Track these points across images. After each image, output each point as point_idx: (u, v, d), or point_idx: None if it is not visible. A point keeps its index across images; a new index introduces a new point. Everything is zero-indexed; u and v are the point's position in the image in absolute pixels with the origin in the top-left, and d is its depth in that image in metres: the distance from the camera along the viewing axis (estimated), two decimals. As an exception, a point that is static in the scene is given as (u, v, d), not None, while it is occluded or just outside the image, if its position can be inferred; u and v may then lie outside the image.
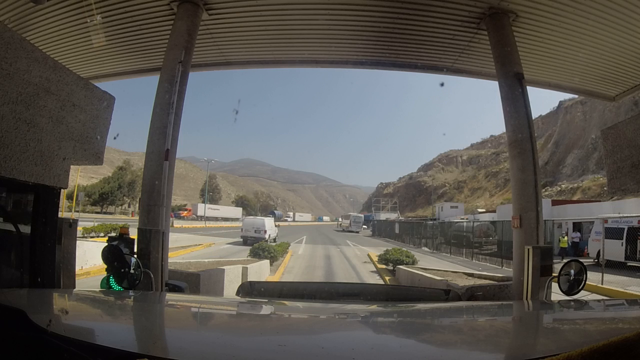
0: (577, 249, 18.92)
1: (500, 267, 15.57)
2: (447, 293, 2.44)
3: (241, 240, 22.32)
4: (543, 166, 56.39)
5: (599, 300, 1.95)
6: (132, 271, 1.93)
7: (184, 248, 15.89)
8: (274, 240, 22.31)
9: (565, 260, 2.08)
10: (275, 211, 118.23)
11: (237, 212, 70.90)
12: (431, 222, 33.16)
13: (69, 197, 33.10)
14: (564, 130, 67.03)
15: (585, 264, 2.09)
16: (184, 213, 58.66)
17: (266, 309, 1.72)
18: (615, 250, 14.15)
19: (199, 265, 7.60)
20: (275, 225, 27.10)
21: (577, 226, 20.53)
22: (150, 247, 3.89)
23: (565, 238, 18.64)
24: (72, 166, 2.44)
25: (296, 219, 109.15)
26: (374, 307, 1.90)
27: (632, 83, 6.91)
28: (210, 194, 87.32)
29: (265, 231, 23.06)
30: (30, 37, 5.38)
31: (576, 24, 5.30)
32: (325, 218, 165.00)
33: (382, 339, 1.14)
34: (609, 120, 45.12)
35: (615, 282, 10.64)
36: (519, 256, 4.50)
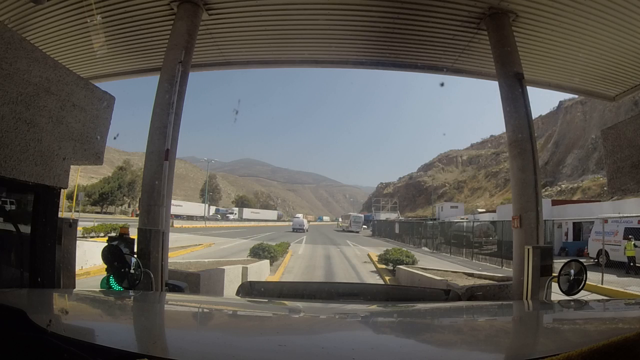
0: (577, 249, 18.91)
1: (500, 267, 15.56)
2: (447, 293, 2.44)
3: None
4: (543, 166, 56.41)
5: (599, 300, 1.95)
6: (132, 271, 1.93)
7: (181, 248, 15.89)
8: (307, 230, 45.53)
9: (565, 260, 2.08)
10: (276, 211, 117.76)
11: (202, 209, 63.28)
12: (431, 222, 33.15)
13: (69, 197, 33.11)
14: (564, 130, 67.05)
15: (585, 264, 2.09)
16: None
17: (266, 309, 1.72)
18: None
19: (199, 265, 7.60)
20: (308, 222, 52.81)
21: (577, 226, 20.52)
22: (150, 247, 3.89)
23: (632, 242, 13.14)
24: (72, 166, 2.44)
25: (246, 217, 77.04)
26: (374, 307, 1.90)
27: (632, 83, 6.91)
28: (210, 194, 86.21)
29: (304, 225, 46.71)
30: (30, 37, 5.37)
31: (576, 24, 5.30)
32: (325, 218, 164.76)
33: (382, 339, 1.14)
34: (609, 120, 45.13)
35: (615, 282, 10.65)
36: (519, 256, 4.50)
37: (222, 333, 1.18)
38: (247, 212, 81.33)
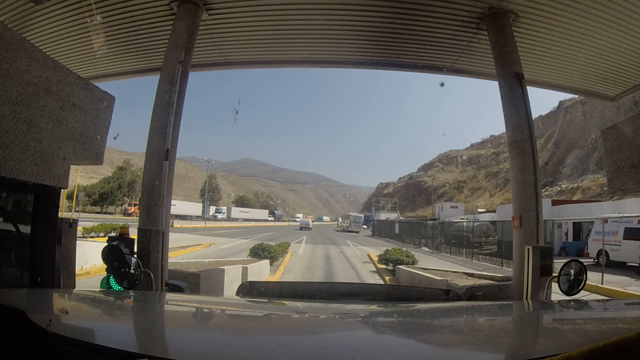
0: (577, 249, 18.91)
1: (500, 267, 15.55)
2: (447, 293, 2.44)
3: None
4: (543, 166, 56.44)
5: (599, 300, 1.95)
6: (132, 271, 1.93)
7: (181, 248, 15.88)
8: (311, 228, 52.42)
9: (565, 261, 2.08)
10: (276, 211, 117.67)
11: (197, 208, 62.52)
12: (431, 222, 33.13)
13: (69, 197, 33.10)
14: (564, 130, 67.06)
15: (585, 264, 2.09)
16: (136, 209, 43.72)
17: (266, 309, 1.72)
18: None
19: (199, 265, 7.60)
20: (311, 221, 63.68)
21: (577, 226, 20.51)
22: (150, 247, 3.89)
23: None
24: (72, 166, 2.44)
25: (235, 216, 74.34)
26: (374, 307, 1.90)
27: (632, 83, 6.91)
28: (210, 194, 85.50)
29: (309, 224, 54.88)
30: (30, 37, 5.37)
31: (576, 24, 5.30)
32: (325, 218, 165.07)
33: (382, 339, 1.14)
34: (609, 120, 45.13)
35: (615, 282, 10.64)
36: (519, 256, 4.50)
37: (222, 333, 1.18)
38: (236, 212, 78.41)
